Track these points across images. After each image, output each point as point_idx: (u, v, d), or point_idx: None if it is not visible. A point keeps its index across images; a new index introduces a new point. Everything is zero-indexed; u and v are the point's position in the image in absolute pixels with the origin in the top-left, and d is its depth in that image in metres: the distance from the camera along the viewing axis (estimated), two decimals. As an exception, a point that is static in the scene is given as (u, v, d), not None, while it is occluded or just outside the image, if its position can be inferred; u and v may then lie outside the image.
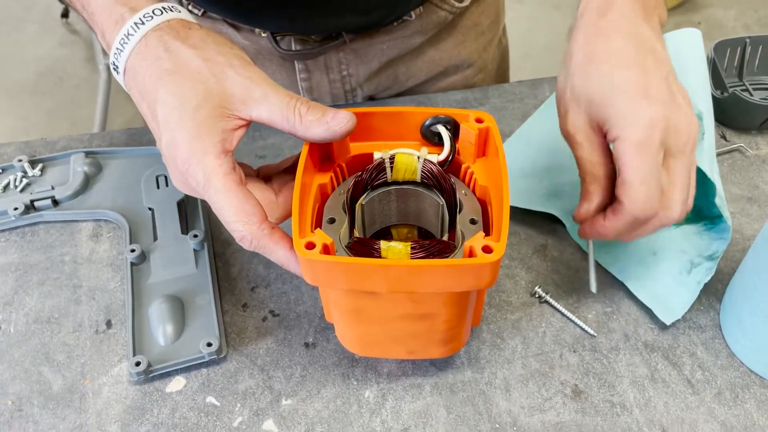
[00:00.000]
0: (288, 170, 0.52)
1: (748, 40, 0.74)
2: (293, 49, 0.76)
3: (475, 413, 0.53)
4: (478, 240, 0.42)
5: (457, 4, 0.79)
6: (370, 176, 0.48)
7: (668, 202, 0.49)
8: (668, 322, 0.56)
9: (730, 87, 0.72)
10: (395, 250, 0.43)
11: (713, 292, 0.59)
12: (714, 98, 0.68)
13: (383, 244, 0.43)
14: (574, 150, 0.52)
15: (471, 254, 0.42)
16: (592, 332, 0.57)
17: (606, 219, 0.51)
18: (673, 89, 0.49)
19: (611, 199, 0.51)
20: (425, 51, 0.81)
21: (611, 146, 0.50)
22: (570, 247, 0.63)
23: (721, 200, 0.58)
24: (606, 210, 0.51)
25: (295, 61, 0.77)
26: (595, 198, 0.51)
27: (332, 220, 0.47)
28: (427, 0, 0.76)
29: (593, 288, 0.57)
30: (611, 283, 0.61)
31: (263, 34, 0.75)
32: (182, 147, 0.44)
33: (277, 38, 0.75)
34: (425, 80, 0.84)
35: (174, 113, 0.45)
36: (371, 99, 0.84)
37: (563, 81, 0.52)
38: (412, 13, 0.76)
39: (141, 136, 0.73)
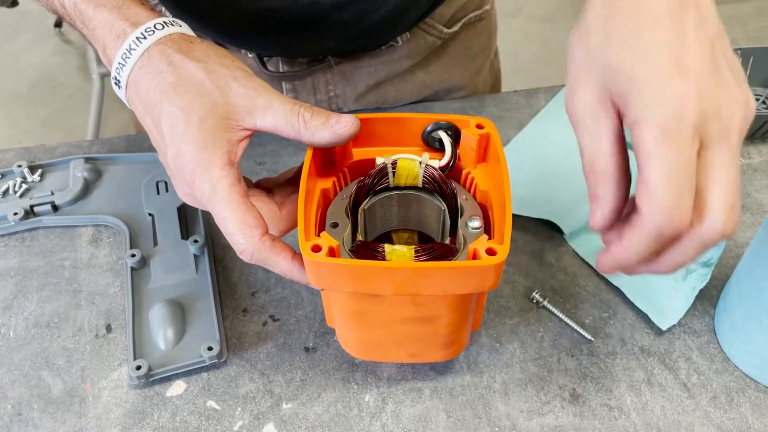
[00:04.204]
0: (289, 182, 0.52)
1: (739, 52, 0.76)
2: (280, 70, 0.76)
3: (474, 417, 0.53)
4: (481, 243, 0.43)
5: (445, 30, 0.78)
6: (373, 181, 0.49)
7: (706, 207, 0.36)
8: (664, 328, 0.57)
9: (722, 98, 0.73)
10: (399, 253, 0.44)
11: (708, 298, 0.60)
12: (707, 108, 0.69)
13: (387, 248, 0.44)
14: (577, 135, 0.40)
15: (475, 256, 0.42)
16: (589, 337, 0.58)
17: (623, 238, 0.38)
18: (718, 58, 0.37)
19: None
20: (414, 74, 0.81)
21: (628, 133, 0.38)
22: (567, 253, 0.64)
23: (715, 207, 0.59)
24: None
25: (283, 82, 0.78)
26: (607, 201, 0.38)
27: (335, 225, 0.48)
28: (414, 26, 0.76)
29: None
30: (608, 288, 0.61)
31: (249, 55, 0.75)
32: (188, 159, 0.44)
33: (264, 59, 0.75)
34: (414, 103, 0.83)
35: (179, 125, 0.45)
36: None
37: (576, 41, 0.40)
38: (399, 38, 0.76)
39: (140, 143, 0.74)
